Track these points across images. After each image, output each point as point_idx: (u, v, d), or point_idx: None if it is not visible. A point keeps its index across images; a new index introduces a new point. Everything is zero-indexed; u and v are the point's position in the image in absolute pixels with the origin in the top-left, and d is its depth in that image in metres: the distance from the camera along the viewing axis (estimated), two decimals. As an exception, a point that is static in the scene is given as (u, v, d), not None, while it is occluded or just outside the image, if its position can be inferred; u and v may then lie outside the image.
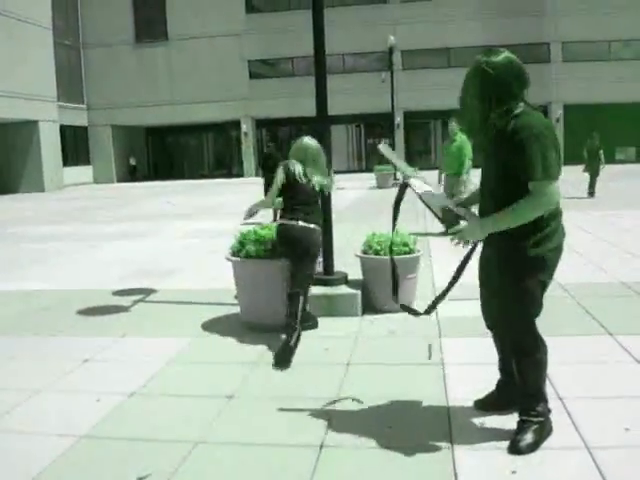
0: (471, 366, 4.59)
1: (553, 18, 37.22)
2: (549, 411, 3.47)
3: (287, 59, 39.66)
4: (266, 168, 14.80)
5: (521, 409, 3.43)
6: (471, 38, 36.86)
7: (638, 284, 6.91)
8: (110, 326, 6.09)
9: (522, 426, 3.37)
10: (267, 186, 14.48)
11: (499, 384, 3.77)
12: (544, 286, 3.34)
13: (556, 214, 3.29)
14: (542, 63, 36.23)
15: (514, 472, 3.09)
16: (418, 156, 39.78)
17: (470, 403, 3.88)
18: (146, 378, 4.60)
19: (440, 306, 6.15)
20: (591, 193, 17.66)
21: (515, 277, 3.25)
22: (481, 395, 3.82)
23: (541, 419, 3.39)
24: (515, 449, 3.29)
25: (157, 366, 4.87)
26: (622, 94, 35.55)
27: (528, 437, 3.32)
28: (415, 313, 3.64)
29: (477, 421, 3.66)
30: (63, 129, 36.80)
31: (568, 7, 36.70)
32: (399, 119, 37.42)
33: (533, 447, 3.31)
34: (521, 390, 3.43)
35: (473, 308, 6.07)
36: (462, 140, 11.25)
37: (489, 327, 3.70)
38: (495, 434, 3.50)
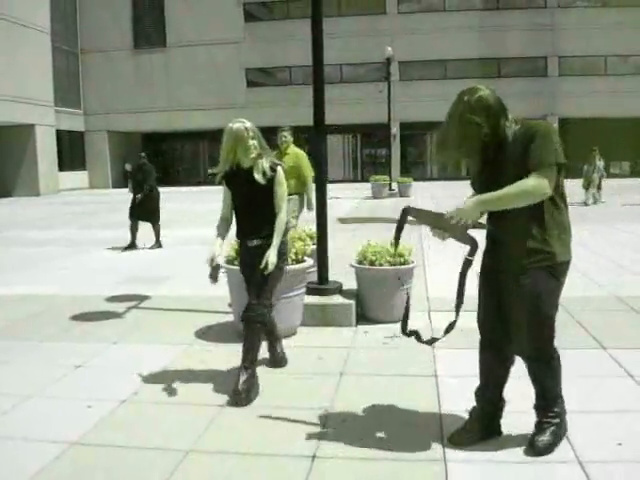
0: (464, 378, 4.57)
1: (550, 32, 37.41)
2: (564, 411, 3.57)
3: (285, 68, 39.73)
4: (135, 182, 12.65)
5: (539, 412, 3.54)
6: (468, 50, 37.11)
7: (632, 298, 6.92)
8: (102, 332, 6.06)
9: (541, 427, 3.50)
10: (135, 203, 12.43)
11: (480, 414, 3.65)
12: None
13: (567, 216, 3.40)
14: (539, 77, 36.48)
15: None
16: (414, 167, 39.91)
17: (463, 414, 3.88)
18: (138, 385, 4.57)
19: (434, 318, 6.22)
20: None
21: (548, 284, 3.31)
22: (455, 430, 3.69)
23: (558, 420, 3.52)
24: (535, 450, 3.41)
25: (149, 373, 4.84)
26: (617, 109, 35.73)
27: (546, 438, 3.45)
28: (422, 341, 3.63)
29: (470, 434, 3.65)
30: (59, 134, 36.77)
31: (566, 22, 36.91)
32: (395, 130, 37.50)
33: (551, 447, 3.44)
34: (540, 395, 3.54)
35: (466, 320, 6.10)
36: (298, 154, 8.68)
37: (490, 344, 3.64)
38: (487, 446, 3.49)
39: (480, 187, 3.44)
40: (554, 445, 3.45)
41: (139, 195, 12.44)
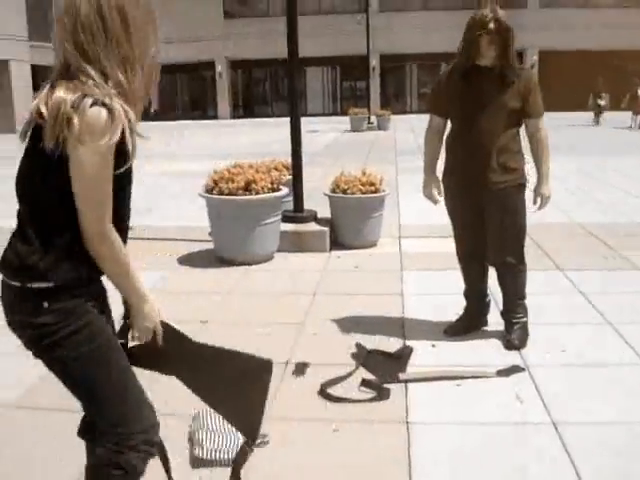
0: (428, 296, 4.96)
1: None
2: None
3: (262, -2, 39.10)
4: None
5: (511, 312, 4.09)
6: (448, -20, 36.64)
7: (592, 224, 7.31)
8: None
9: (513, 326, 4.04)
10: None
11: (471, 312, 4.25)
12: None
13: None
14: (519, 8, 36.17)
15: (458, 385, 3.46)
16: (394, 99, 39.82)
17: (425, 325, 4.32)
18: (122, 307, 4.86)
19: (403, 243, 6.58)
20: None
21: (522, 199, 3.88)
22: (450, 323, 4.27)
23: (526, 318, 4.09)
24: (513, 346, 3.93)
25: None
26: (597, 41, 35.69)
27: (520, 333, 4.01)
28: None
29: (428, 344, 4.03)
30: (35, 69, 36.10)
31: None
32: (375, 62, 37.26)
33: (525, 341, 3.99)
34: (510, 299, 4.09)
35: (431, 245, 6.48)
36: None
37: (470, 255, 4.11)
38: (445, 361, 3.85)
39: (461, 104, 3.82)
40: (526, 338, 4.00)
41: None
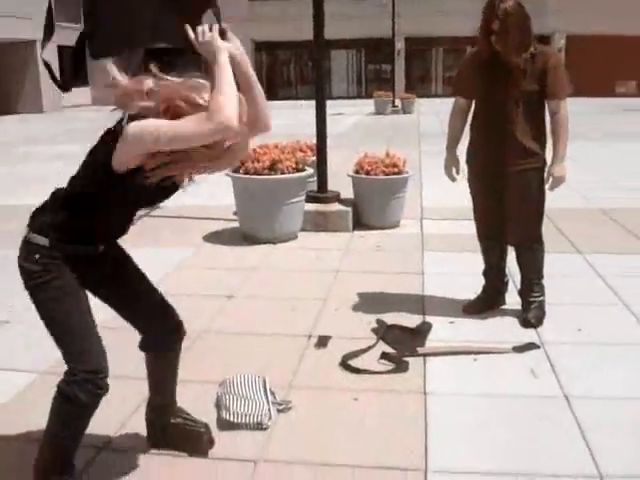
0: (447, 276, 5.07)
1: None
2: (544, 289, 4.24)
3: (287, -19, 38.94)
4: None
5: (528, 291, 4.18)
6: (476, -37, 36.17)
7: (614, 210, 7.32)
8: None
9: (530, 305, 4.14)
10: None
11: (489, 290, 4.35)
12: None
13: None
14: (546, -9, 35.79)
15: (475, 359, 3.59)
16: (419, 83, 39.60)
17: (444, 299, 4.50)
18: (155, 281, 5.01)
19: (425, 225, 6.68)
20: None
21: (541, 183, 3.98)
22: (468, 301, 4.39)
23: (543, 297, 4.20)
24: (529, 323, 4.05)
25: (163, 272, 5.26)
26: (624, 26, 35.13)
27: (537, 312, 4.12)
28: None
29: (447, 320, 4.16)
30: (60, 49, 36.21)
31: None
32: (400, 45, 37.05)
33: (542, 320, 4.09)
34: (529, 277, 4.18)
35: (450, 227, 6.59)
36: None
37: (491, 236, 4.20)
38: (463, 337, 3.97)
39: (482, 87, 3.91)
40: (543, 317, 4.10)
41: None
